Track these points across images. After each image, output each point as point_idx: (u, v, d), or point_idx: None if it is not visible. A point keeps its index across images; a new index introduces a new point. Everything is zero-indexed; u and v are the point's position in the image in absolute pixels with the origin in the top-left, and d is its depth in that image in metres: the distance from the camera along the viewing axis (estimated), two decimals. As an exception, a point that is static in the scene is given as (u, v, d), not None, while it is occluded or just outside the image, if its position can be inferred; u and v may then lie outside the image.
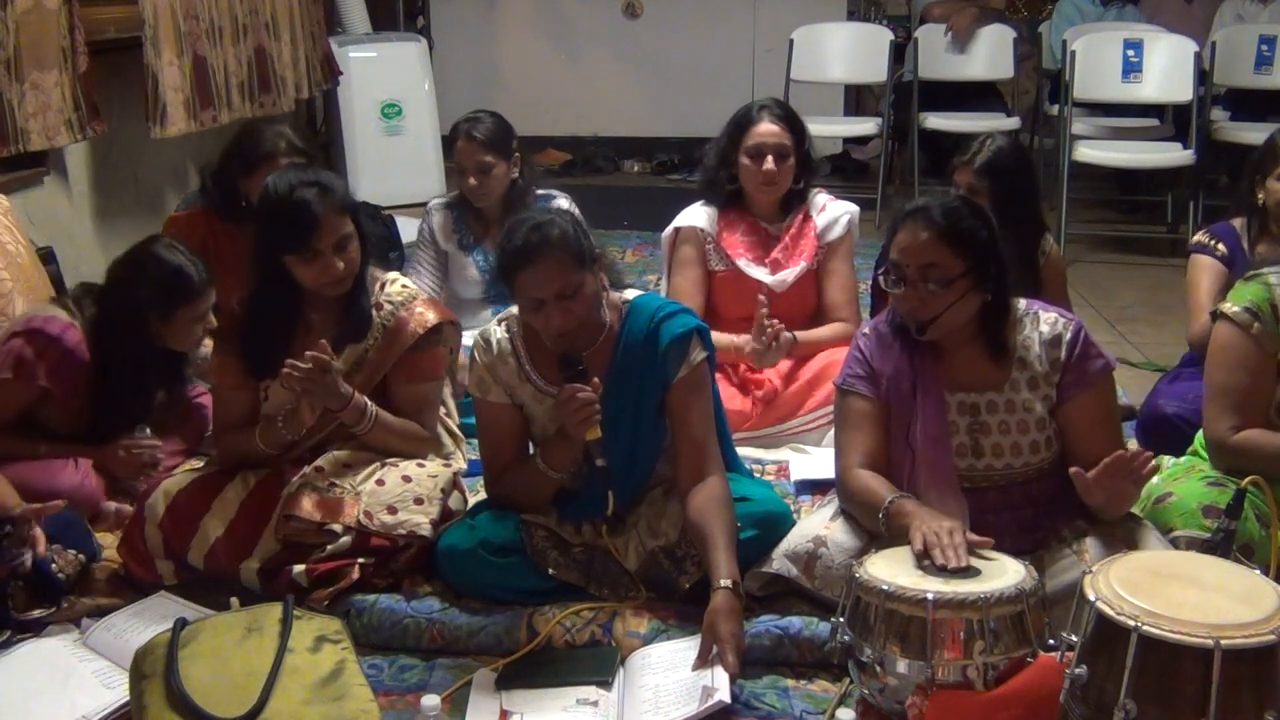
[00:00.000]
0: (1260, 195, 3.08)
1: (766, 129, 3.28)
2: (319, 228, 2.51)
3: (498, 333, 2.55)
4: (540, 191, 3.73)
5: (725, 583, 2.24)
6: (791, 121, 3.33)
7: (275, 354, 2.56)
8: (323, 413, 2.61)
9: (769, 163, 3.27)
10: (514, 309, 2.57)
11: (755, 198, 3.37)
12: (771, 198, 3.36)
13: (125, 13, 4.03)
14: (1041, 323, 2.42)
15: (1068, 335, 2.39)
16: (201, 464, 2.85)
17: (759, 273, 3.34)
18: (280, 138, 3.43)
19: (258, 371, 2.63)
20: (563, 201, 3.60)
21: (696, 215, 3.43)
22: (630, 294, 2.58)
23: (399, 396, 2.69)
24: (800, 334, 3.26)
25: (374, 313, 2.68)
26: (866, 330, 2.51)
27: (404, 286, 2.75)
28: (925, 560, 2.07)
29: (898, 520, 2.24)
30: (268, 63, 5.03)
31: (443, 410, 2.91)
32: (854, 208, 3.46)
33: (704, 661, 2.17)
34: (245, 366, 2.64)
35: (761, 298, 3.19)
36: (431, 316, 2.70)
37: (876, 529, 2.33)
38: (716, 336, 3.26)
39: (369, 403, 2.60)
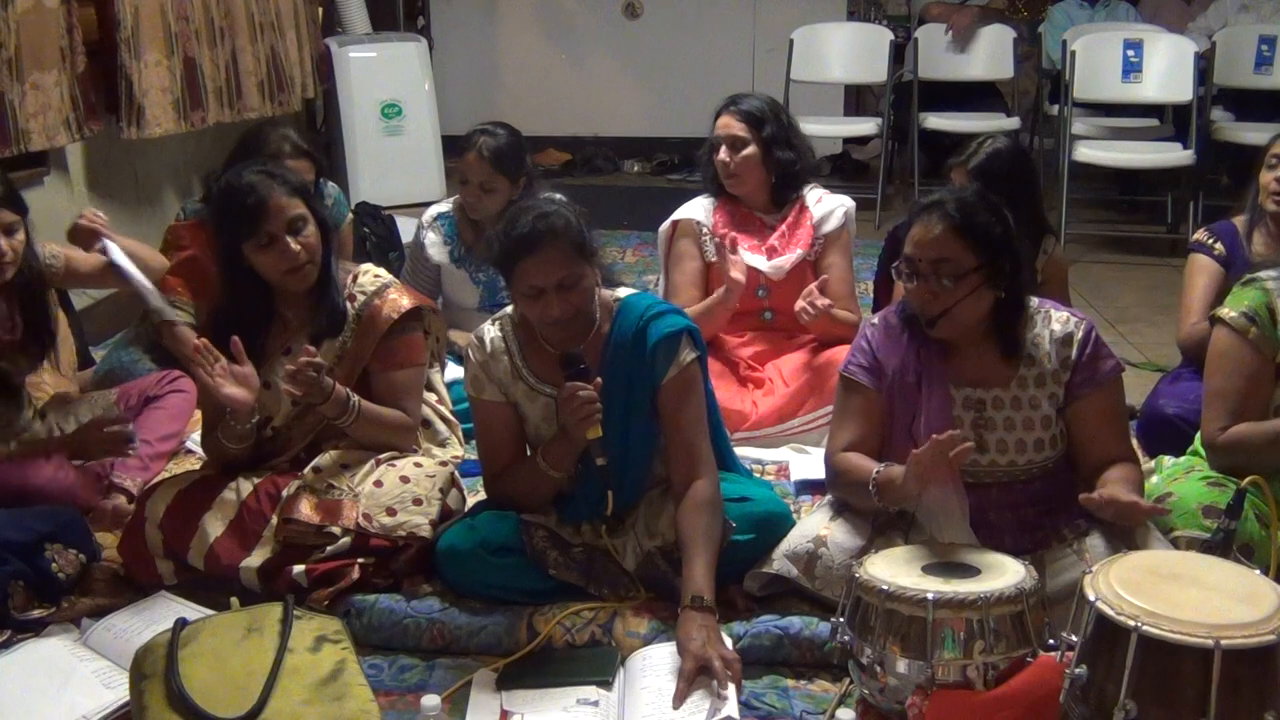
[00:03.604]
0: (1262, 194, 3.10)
1: (721, 122, 3.39)
2: (266, 208, 2.51)
3: (491, 331, 2.55)
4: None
5: (692, 599, 2.24)
6: (751, 115, 3.36)
7: (249, 353, 2.55)
8: (305, 408, 2.61)
9: (722, 153, 3.35)
10: (508, 309, 2.57)
11: (731, 190, 3.41)
12: (739, 190, 3.41)
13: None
14: (1053, 321, 2.42)
15: (1079, 334, 2.39)
16: (200, 464, 2.86)
17: (755, 260, 3.36)
18: (284, 140, 3.43)
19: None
20: None
21: (693, 208, 3.47)
22: (622, 292, 2.57)
23: (379, 384, 2.68)
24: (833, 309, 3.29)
25: (348, 305, 2.67)
26: (875, 320, 2.52)
27: (376, 276, 2.75)
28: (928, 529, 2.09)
29: (888, 487, 2.27)
30: (280, 62, 5.04)
31: (435, 397, 2.91)
32: (849, 201, 3.48)
33: (688, 685, 2.12)
34: None
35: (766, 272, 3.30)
36: (405, 301, 2.70)
37: (868, 504, 2.34)
38: (699, 305, 3.29)
39: (350, 394, 2.60)
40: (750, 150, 3.34)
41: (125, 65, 3.93)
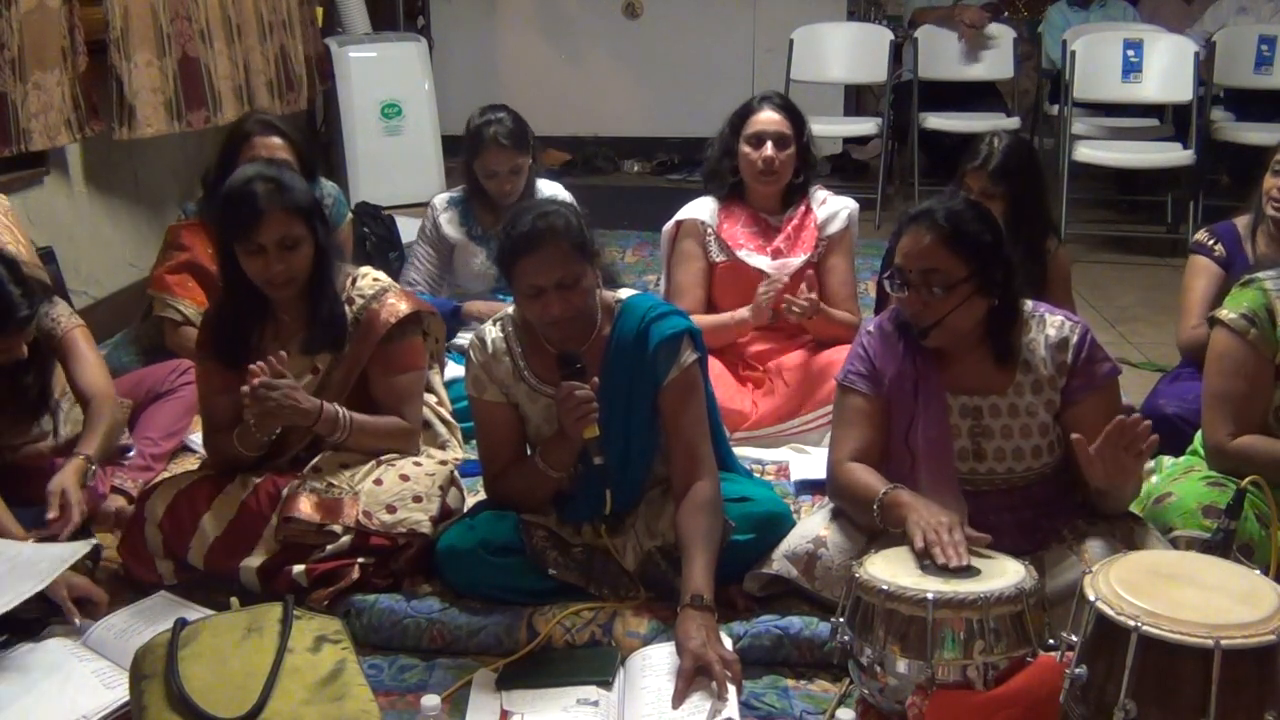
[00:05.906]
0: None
1: (767, 117, 3.33)
2: (262, 221, 2.50)
3: (493, 332, 2.56)
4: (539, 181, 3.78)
5: (691, 598, 2.24)
6: (792, 112, 3.36)
7: (242, 350, 2.56)
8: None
9: (768, 149, 3.30)
10: (510, 309, 2.58)
11: (755, 189, 3.40)
12: (771, 188, 3.38)
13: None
14: (1048, 325, 2.40)
15: (1074, 339, 2.38)
16: (200, 464, 2.85)
17: (760, 261, 3.36)
18: (250, 119, 3.47)
19: (234, 365, 2.59)
20: (559, 191, 3.65)
21: (698, 208, 3.46)
22: (624, 293, 2.58)
23: (379, 389, 2.68)
24: (824, 306, 3.29)
25: (346, 308, 2.66)
26: (871, 328, 2.50)
27: (375, 280, 2.73)
28: (926, 560, 2.07)
29: (893, 511, 2.23)
30: (289, 61, 5.05)
31: (434, 399, 2.91)
32: (854, 203, 3.48)
33: (687, 684, 2.12)
34: (224, 367, 2.61)
35: (770, 274, 3.27)
36: (403, 306, 2.69)
37: (869, 522, 2.32)
38: (715, 318, 3.29)
39: (340, 411, 2.58)
40: (793, 149, 3.33)
41: (116, 66, 3.94)
